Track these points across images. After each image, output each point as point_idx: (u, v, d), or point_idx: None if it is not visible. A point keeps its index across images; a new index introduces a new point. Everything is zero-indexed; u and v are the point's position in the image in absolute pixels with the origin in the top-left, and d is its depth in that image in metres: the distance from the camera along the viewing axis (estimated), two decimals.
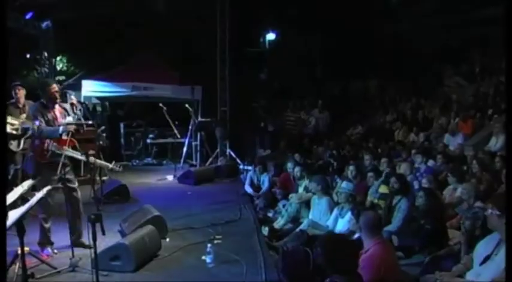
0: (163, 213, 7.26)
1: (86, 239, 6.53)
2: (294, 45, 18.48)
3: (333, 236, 4.70)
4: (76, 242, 6.43)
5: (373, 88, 18.18)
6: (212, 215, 8.46)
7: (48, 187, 3.84)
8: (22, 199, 3.47)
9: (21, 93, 8.80)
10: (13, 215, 3.40)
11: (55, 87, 6.46)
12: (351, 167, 9.01)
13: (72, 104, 7.01)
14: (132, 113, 17.23)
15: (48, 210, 6.34)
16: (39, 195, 3.56)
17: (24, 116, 8.40)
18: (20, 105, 8.67)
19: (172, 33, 16.35)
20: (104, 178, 10.65)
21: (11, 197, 3.35)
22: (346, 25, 17.43)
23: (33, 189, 4.24)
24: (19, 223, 3.43)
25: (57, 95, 6.49)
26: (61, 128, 6.25)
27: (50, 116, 6.37)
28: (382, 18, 17.72)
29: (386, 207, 7.31)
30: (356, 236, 6.11)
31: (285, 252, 6.16)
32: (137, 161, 15.42)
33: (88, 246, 6.36)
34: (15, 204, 4.28)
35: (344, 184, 7.33)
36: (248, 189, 10.74)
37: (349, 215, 6.90)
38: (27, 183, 3.50)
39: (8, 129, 7.83)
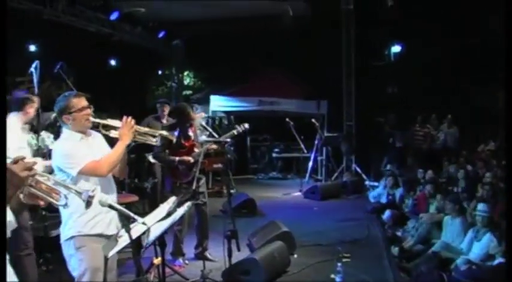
0: (290, 229, 7.31)
1: (210, 253, 6.78)
2: (420, 57, 17.87)
3: None
4: (200, 256, 6.64)
5: (503, 100, 17.09)
6: (340, 232, 8.40)
7: (189, 203, 3.98)
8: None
9: (166, 110, 9.32)
10: (155, 229, 3.53)
11: (194, 116, 6.72)
12: (487, 187, 8.50)
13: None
14: (259, 127, 17.51)
15: (184, 222, 6.61)
16: (181, 210, 3.70)
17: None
18: (163, 121, 9.11)
19: (298, 48, 16.45)
20: (232, 191, 10.93)
21: (158, 214, 3.49)
22: (473, 34, 16.55)
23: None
24: (161, 238, 3.58)
25: (193, 122, 6.73)
26: (177, 159, 6.46)
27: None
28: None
29: None
30: (496, 261, 5.77)
31: (419, 275, 5.95)
32: (263, 175, 15.67)
33: (212, 260, 6.60)
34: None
35: (481, 206, 6.89)
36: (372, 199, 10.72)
37: (486, 238, 6.49)
38: (172, 200, 3.63)
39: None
